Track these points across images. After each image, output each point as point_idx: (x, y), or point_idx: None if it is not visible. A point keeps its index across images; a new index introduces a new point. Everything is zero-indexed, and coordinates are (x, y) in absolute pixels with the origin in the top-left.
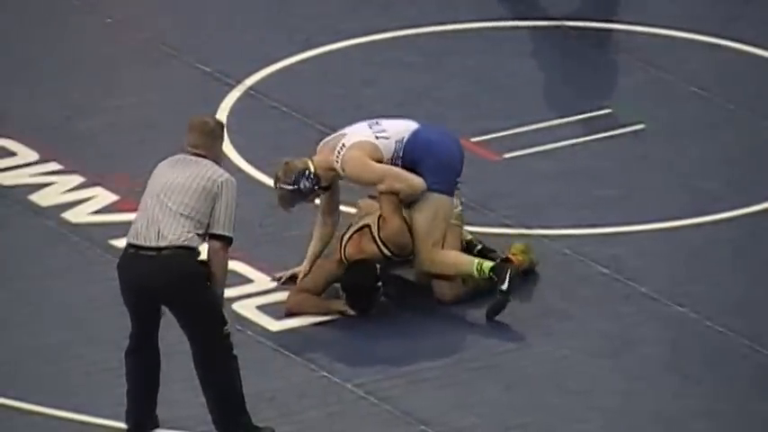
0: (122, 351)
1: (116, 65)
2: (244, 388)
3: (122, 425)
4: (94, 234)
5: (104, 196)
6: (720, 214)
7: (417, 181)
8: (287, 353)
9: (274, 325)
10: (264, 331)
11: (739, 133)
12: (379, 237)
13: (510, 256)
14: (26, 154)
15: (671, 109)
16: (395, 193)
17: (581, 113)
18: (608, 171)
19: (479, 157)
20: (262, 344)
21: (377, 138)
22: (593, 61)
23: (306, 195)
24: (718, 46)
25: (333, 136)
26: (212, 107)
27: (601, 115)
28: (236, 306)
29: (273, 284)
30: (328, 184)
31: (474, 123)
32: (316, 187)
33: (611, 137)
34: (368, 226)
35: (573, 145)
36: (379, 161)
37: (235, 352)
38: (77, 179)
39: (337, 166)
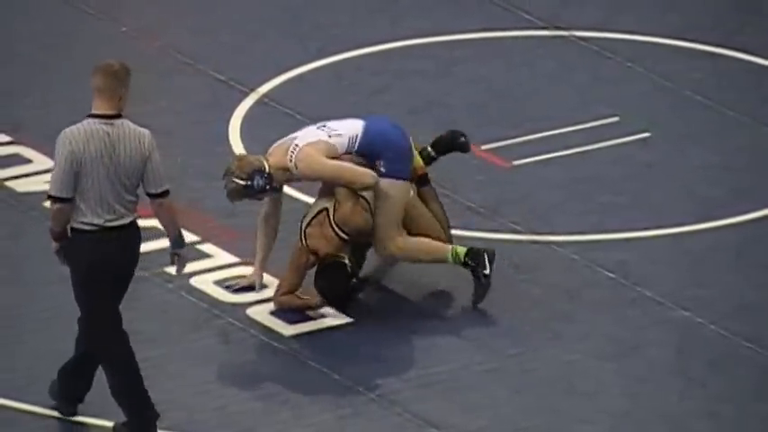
0: (137, 355)
1: (131, 73)
2: (258, 391)
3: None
4: None
5: None
6: (724, 220)
7: (368, 176)
8: (300, 357)
9: (288, 329)
10: (278, 336)
11: (743, 141)
12: (334, 220)
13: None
14: (41, 161)
15: (676, 117)
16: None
17: (588, 122)
18: (615, 178)
19: (489, 164)
20: (275, 348)
21: (329, 137)
22: (600, 70)
23: (256, 193)
24: (723, 55)
25: (284, 139)
26: (226, 114)
27: (608, 123)
28: (249, 312)
29: None
30: (279, 186)
31: (484, 131)
32: (267, 187)
33: (618, 144)
34: (325, 210)
35: (580, 152)
36: (335, 158)
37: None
38: None
39: (291, 165)
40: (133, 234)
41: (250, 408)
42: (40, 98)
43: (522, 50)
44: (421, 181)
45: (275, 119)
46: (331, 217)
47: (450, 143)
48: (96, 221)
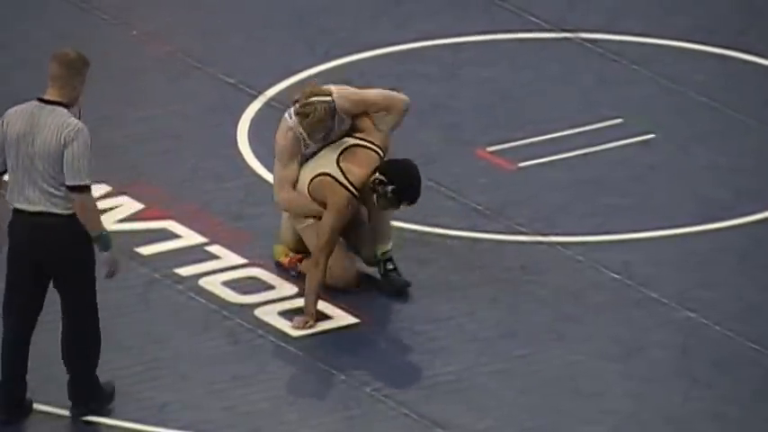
0: (147, 356)
1: (141, 76)
2: (266, 392)
3: (150, 428)
4: (120, 242)
5: (130, 205)
6: (729, 221)
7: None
8: (307, 358)
9: (295, 330)
10: (285, 336)
11: (748, 142)
12: (347, 179)
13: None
14: None
15: (681, 119)
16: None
17: (593, 123)
18: (619, 180)
19: (494, 166)
20: (283, 349)
21: None
22: (605, 72)
23: (333, 122)
24: (729, 57)
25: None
26: (235, 117)
27: (612, 125)
28: (257, 312)
29: (295, 291)
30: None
31: (489, 133)
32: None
33: (623, 146)
34: (328, 174)
35: (585, 154)
36: None
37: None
38: (103, 188)
39: (334, 95)
40: (47, 224)
41: (258, 408)
42: None
43: (527, 53)
44: None
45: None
46: (341, 178)
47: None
48: (9, 199)
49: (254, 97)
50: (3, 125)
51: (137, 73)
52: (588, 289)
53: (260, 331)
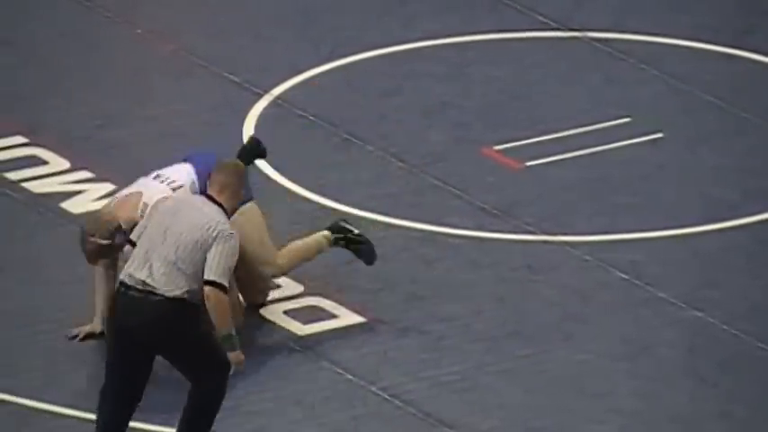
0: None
1: (146, 75)
2: (272, 391)
3: (155, 428)
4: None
5: None
6: (736, 221)
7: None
8: (313, 356)
9: (301, 329)
10: (291, 335)
11: (755, 142)
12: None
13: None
14: (57, 162)
15: (688, 118)
16: None
17: (601, 123)
18: (627, 179)
19: (502, 166)
20: (289, 347)
21: (173, 190)
22: (612, 71)
23: (116, 250)
24: (736, 56)
25: (126, 192)
26: (240, 116)
27: (620, 124)
28: (263, 311)
29: (301, 289)
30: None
31: (496, 132)
32: (127, 243)
33: (630, 145)
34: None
35: (593, 153)
36: None
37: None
38: (108, 187)
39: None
40: (160, 306)
41: (263, 408)
42: (58, 100)
43: (534, 52)
44: None
45: (289, 120)
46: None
47: (253, 152)
48: (125, 272)
49: (260, 96)
50: (158, 203)
51: (141, 71)
52: (595, 288)
53: (265, 330)
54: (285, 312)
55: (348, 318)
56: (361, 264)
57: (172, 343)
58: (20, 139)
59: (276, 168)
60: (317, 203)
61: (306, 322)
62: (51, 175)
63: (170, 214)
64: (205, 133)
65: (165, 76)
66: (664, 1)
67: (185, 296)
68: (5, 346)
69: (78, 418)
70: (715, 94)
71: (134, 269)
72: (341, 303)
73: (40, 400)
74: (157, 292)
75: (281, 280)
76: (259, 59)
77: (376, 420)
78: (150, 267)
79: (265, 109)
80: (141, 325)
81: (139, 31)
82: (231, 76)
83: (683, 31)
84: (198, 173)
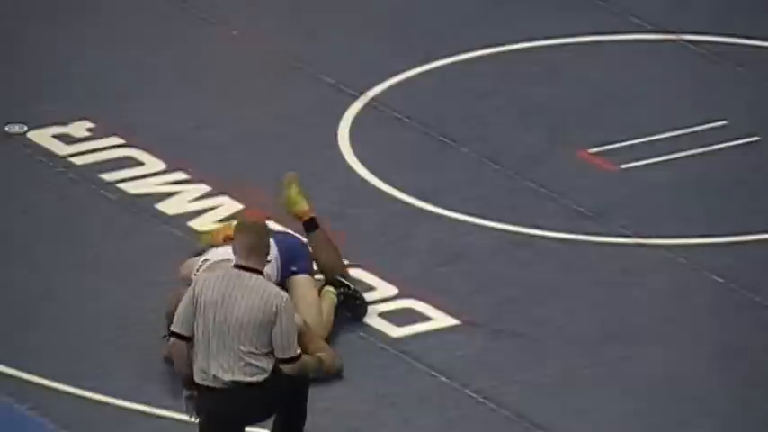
0: None
1: (242, 76)
2: (365, 393)
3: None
4: None
5: (230, 205)
6: None
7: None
8: (407, 359)
9: (395, 331)
10: (386, 338)
11: None
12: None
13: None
14: (153, 163)
15: None
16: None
17: (696, 125)
18: (722, 182)
19: (597, 168)
20: (383, 350)
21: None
22: (708, 74)
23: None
24: None
25: (214, 262)
26: (335, 118)
27: (716, 127)
28: None
29: (395, 292)
30: None
31: (592, 135)
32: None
33: (726, 148)
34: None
35: (688, 156)
36: None
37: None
38: (204, 188)
39: None
40: (242, 395)
41: (357, 409)
42: (154, 102)
43: (630, 54)
44: (308, 226)
45: (383, 122)
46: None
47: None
48: (197, 378)
49: (355, 98)
50: (194, 291)
51: (237, 73)
52: (690, 292)
53: (360, 332)
54: (379, 315)
55: (442, 320)
56: (455, 266)
57: (264, 416)
58: (116, 141)
59: (370, 170)
60: (412, 206)
61: (400, 324)
62: (147, 176)
63: (218, 304)
64: (300, 134)
65: (261, 77)
66: (759, 3)
67: (267, 375)
68: (101, 347)
69: (174, 419)
70: None
71: (207, 366)
72: (435, 306)
73: (135, 401)
74: (241, 382)
75: (376, 282)
76: (354, 61)
77: (470, 423)
78: (222, 364)
79: (360, 111)
80: (236, 414)
81: (235, 32)
82: (326, 78)
83: None
84: (278, 248)
